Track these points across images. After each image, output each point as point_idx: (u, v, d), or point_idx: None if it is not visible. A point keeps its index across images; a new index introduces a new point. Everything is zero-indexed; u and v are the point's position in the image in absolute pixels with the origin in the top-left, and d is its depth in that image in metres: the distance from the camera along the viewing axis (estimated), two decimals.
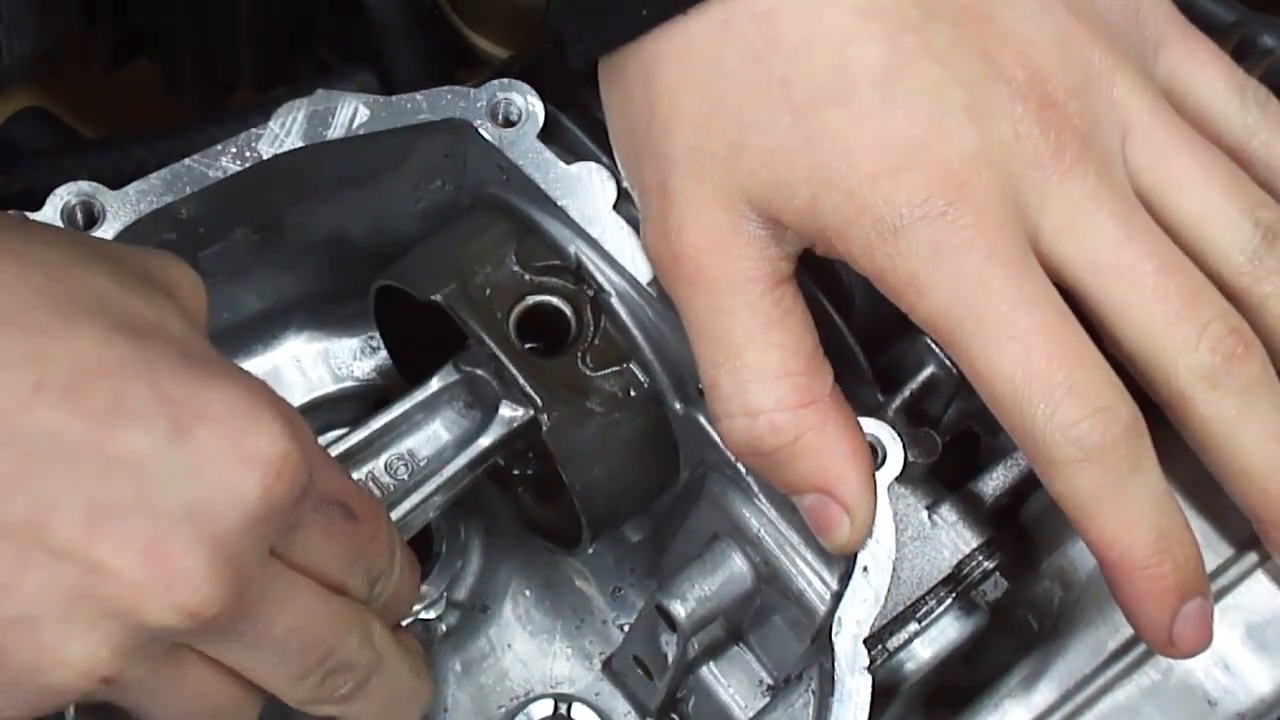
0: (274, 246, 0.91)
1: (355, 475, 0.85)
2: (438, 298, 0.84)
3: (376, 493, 0.85)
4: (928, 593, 0.83)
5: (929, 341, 0.84)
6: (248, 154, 0.83)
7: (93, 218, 0.81)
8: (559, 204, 0.84)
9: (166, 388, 0.66)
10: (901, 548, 0.82)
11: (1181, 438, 0.77)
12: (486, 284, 0.85)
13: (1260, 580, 0.82)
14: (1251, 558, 0.82)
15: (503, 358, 0.84)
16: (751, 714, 0.91)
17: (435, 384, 0.88)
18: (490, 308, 0.85)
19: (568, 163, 0.84)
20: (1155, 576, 0.74)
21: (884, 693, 0.82)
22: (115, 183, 0.83)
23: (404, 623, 0.94)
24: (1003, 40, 0.75)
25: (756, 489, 0.84)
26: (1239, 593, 0.82)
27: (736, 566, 0.85)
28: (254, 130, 0.84)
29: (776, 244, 0.76)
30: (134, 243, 0.81)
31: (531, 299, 0.86)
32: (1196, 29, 0.82)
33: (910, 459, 0.80)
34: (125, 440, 0.65)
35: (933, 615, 0.83)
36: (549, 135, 0.86)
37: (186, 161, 0.83)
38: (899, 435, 0.79)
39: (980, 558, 0.83)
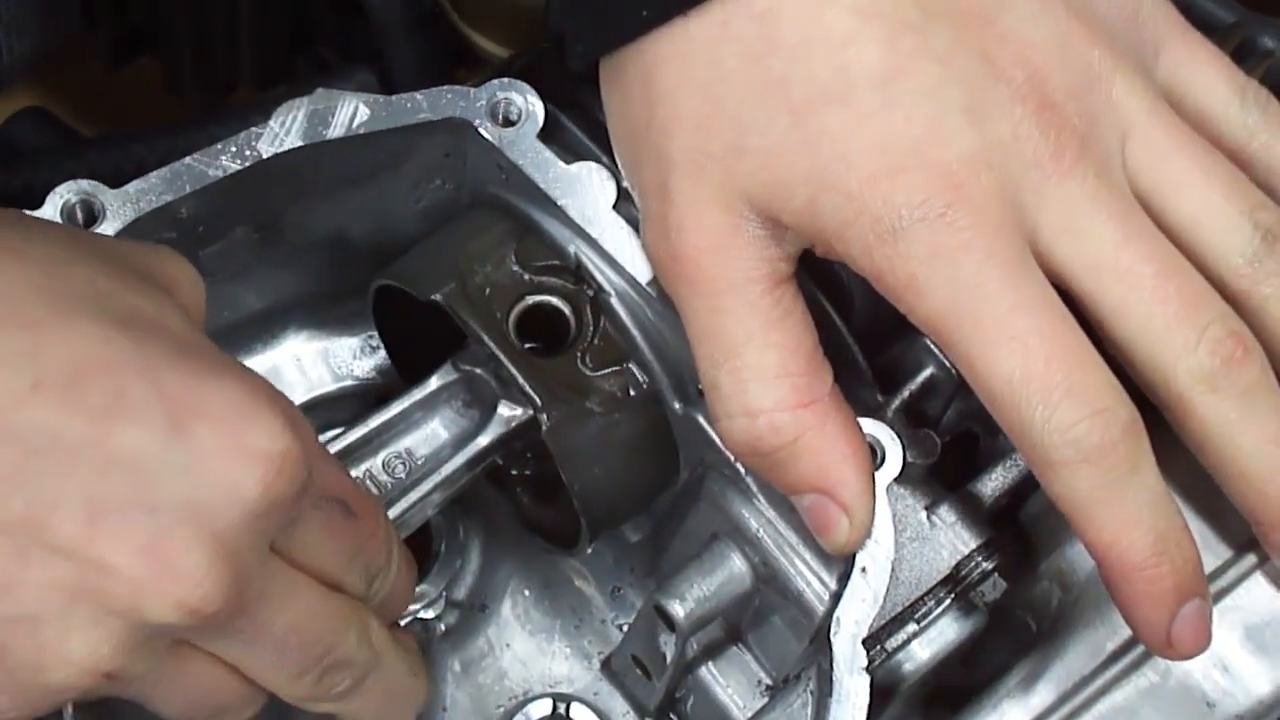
0: (274, 245, 0.91)
1: (353, 473, 0.85)
2: (437, 297, 0.84)
3: (374, 491, 0.85)
4: (926, 593, 0.83)
5: (928, 342, 0.84)
6: (247, 153, 0.83)
7: (93, 216, 0.81)
8: (559, 204, 0.84)
9: (165, 384, 0.66)
10: (900, 548, 0.82)
11: (1180, 439, 0.76)
12: (486, 284, 0.85)
13: (1259, 582, 0.82)
14: (1250, 559, 0.82)
15: (502, 357, 0.84)
16: (750, 714, 0.91)
17: (434, 383, 0.88)
18: (490, 307, 0.85)
19: (567, 162, 0.84)
20: (1153, 578, 0.74)
21: (882, 693, 0.82)
22: (115, 181, 0.82)
23: (403, 622, 0.95)
24: (1002, 41, 0.75)
25: (755, 489, 0.84)
26: (1238, 594, 0.82)
27: (735, 567, 0.85)
28: (254, 129, 0.84)
29: (776, 244, 0.76)
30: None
31: (531, 299, 0.86)
32: (1196, 30, 0.82)
33: (909, 460, 0.80)
34: (124, 437, 0.65)
35: (931, 616, 0.83)
36: (549, 135, 0.86)
37: (186, 160, 0.83)
38: (898, 436, 0.79)
39: (979, 559, 0.83)
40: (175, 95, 1.23)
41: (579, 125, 0.88)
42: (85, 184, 0.82)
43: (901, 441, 0.79)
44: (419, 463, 0.87)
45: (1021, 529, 0.86)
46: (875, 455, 0.79)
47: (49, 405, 0.65)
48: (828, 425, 0.76)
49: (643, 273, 0.82)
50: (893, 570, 0.78)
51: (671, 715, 0.96)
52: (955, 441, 0.88)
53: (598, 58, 0.80)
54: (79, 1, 1.19)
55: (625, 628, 0.97)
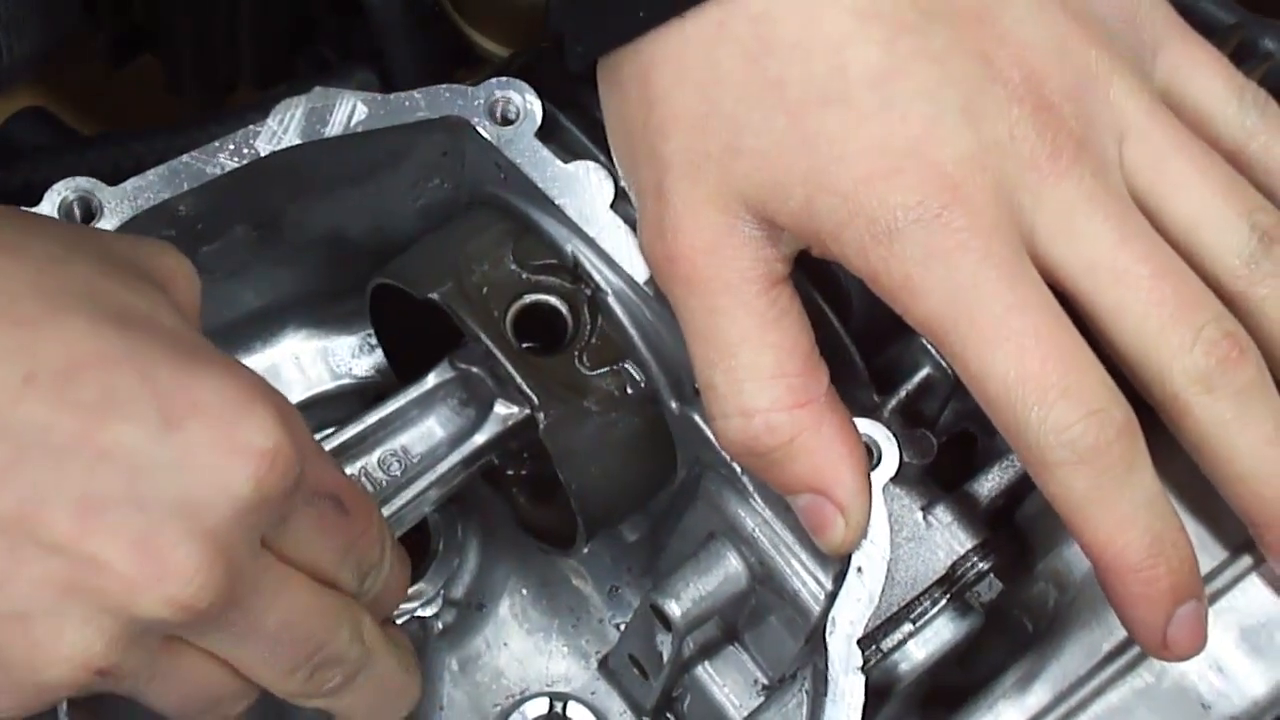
0: (272, 244, 0.91)
1: (349, 470, 0.85)
2: (434, 296, 0.84)
3: (369, 488, 0.85)
4: (922, 593, 0.83)
5: (925, 342, 0.84)
6: (245, 151, 0.83)
7: (90, 213, 0.82)
8: (556, 203, 0.84)
9: (158, 380, 0.66)
10: (896, 548, 0.82)
11: (1176, 441, 0.76)
12: (484, 282, 0.85)
13: (1255, 583, 0.82)
14: (1246, 561, 0.82)
15: (499, 356, 0.84)
16: (746, 713, 0.91)
17: (431, 380, 0.88)
18: (487, 306, 0.85)
19: (565, 162, 0.84)
20: (1150, 579, 0.74)
21: (878, 693, 0.83)
22: (115, 180, 0.83)
23: (400, 620, 0.95)
24: (1000, 42, 0.75)
25: (752, 489, 0.84)
26: (1233, 595, 0.81)
27: (731, 566, 0.85)
28: (252, 127, 0.84)
29: (772, 245, 0.76)
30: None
31: (529, 298, 0.86)
32: (1195, 31, 0.82)
33: (906, 460, 0.80)
34: (116, 433, 0.65)
35: (927, 616, 0.83)
36: (547, 134, 0.86)
37: (184, 158, 0.83)
38: (894, 436, 0.79)
39: (975, 559, 0.83)
40: (176, 95, 1.23)
41: (577, 125, 0.88)
42: (83, 181, 0.82)
43: (898, 441, 0.79)
44: (414, 460, 0.87)
45: (1018, 530, 0.86)
46: (871, 455, 0.79)
47: (41, 401, 0.65)
48: (824, 425, 0.76)
49: (640, 272, 0.82)
50: (888, 570, 0.78)
51: (668, 714, 0.96)
52: (952, 442, 0.88)
53: (595, 58, 0.80)
54: (79, 1, 1.19)
55: (622, 627, 0.97)
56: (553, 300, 0.86)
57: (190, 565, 0.65)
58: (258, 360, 0.99)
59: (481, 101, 0.85)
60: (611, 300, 0.85)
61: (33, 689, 0.67)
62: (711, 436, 0.81)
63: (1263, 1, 1.01)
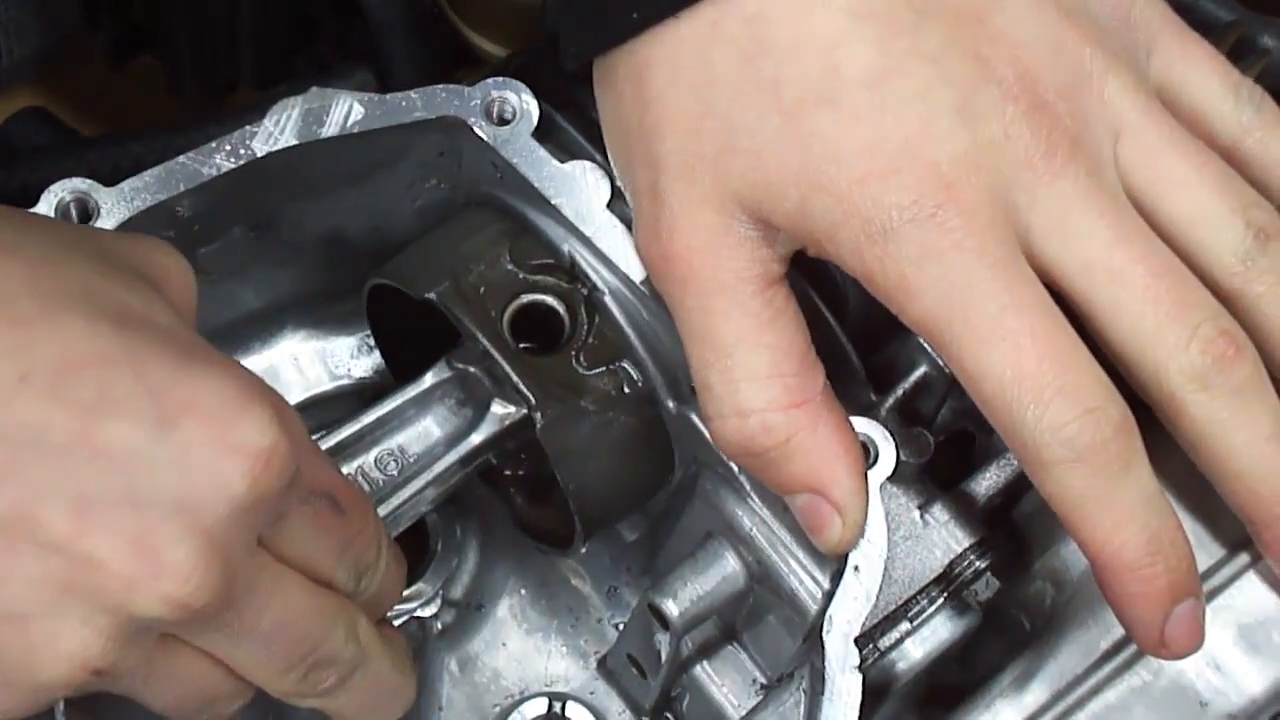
0: (270, 244, 0.91)
1: (345, 469, 0.85)
2: (431, 296, 0.84)
3: (366, 488, 0.85)
4: (919, 592, 0.83)
5: (922, 341, 0.84)
6: (242, 151, 0.83)
7: (87, 214, 0.82)
8: (553, 202, 0.84)
9: (153, 378, 0.66)
10: (893, 547, 0.82)
11: (1173, 439, 0.76)
12: (480, 282, 0.85)
13: (1252, 581, 0.82)
14: (1243, 558, 0.82)
15: (496, 355, 0.84)
16: (744, 713, 0.91)
17: (428, 380, 0.88)
18: (484, 306, 0.85)
19: (562, 161, 0.84)
20: (1147, 578, 0.74)
21: (876, 692, 0.83)
22: (113, 181, 0.83)
23: (399, 620, 0.95)
24: (994, 41, 0.75)
25: (749, 488, 0.84)
26: (1231, 593, 0.81)
27: (729, 565, 0.85)
28: (249, 128, 0.84)
29: (768, 245, 0.76)
30: None
31: (525, 297, 0.85)
32: (1190, 28, 0.82)
33: (902, 458, 0.80)
34: (112, 432, 0.65)
35: (924, 615, 0.83)
36: (544, 134, 0.86)
37: (181, 159, 0.83)
38: (891, 435, 0.79)
39: (972, 557, 0.83)
40: (176, 95, 1.23)
41: (574, 124, 0.88)
42: (80, 182, 0.82)
43: (894, 440, 0.79)
44: (411, 460, 0.87)
45: (1015, 528, 0.86)
46: (868, 454, 0.79)
47: (36, 400, 0.65)
48: (820, 425, 0.76)
49: (636, 272, 0.82)
50: (885, 569, 0.78)
51: (667, 714, 0.96)
52: (950, 441, 0.88)
53: (590, 59, 0.80)
54: (80, 2, 1.19)
55: (621, 627, 0.97)
56: (549, 300, 0.86)
57: (187, 564, 0.65)
58: (256, 361, 0.99)
59: (478, 101, 0.85)
60: (608, 300, 0.85)
61: (30, 689, 0.67)
62: (709, 436, 0.81)
63: None
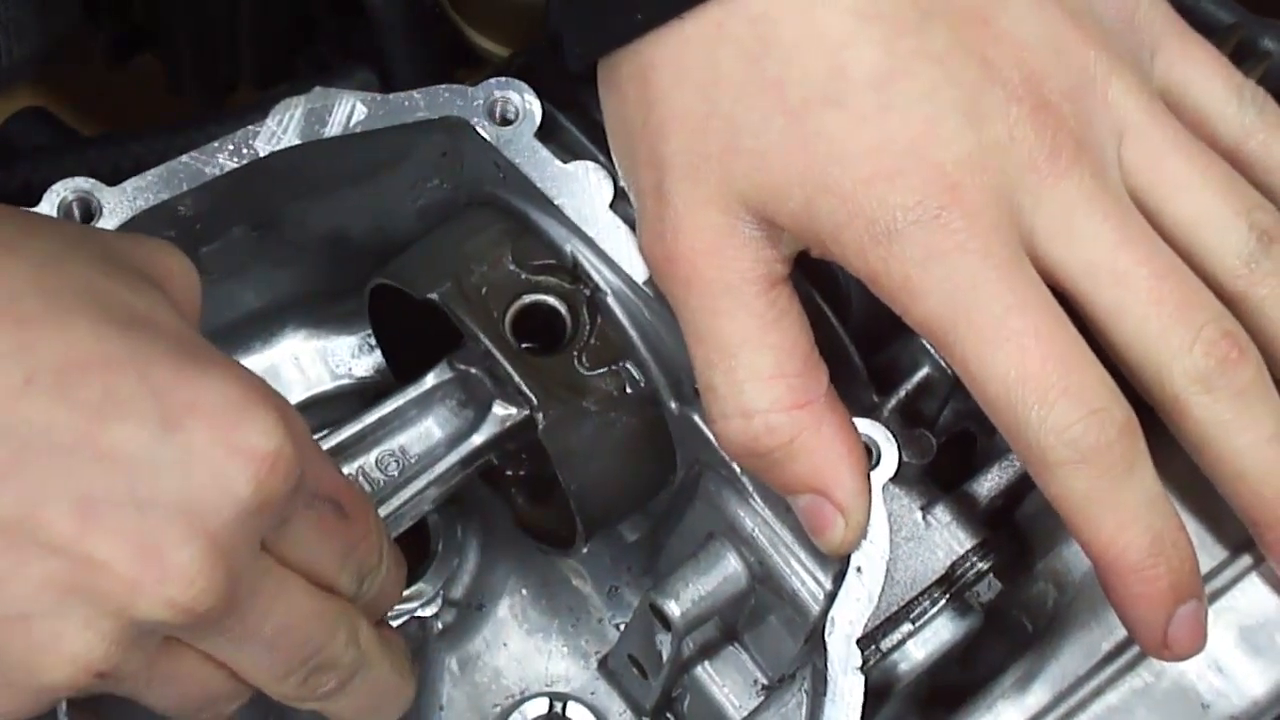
0: (272, 244, 0.91)
1: (346, 470, 0.85)
2: (434, 296, 0.84)
3: (367, 488, 0.85)
4: (921, 593, 0.83)
5: (924, 342, 0.84)
6: (245, 151, 0.83)
7: (89, 214, 0.82)
8: (555, 202, 0.84)
9: (158, 380, 0.66)
10: (895, 548, 0.82)
11: (1175, 440, 0.76)
12: (482, 283, 0.85)
13: (1254, 583, 0.82)
14: (1246, 560, 0.82)
15: (498, 356, 0.84)
16: (746, 713, 0.91)
17: (430, 381, 0.88)
18: (486, 306, 0.85)
19: (565, 162, 0.84)
20: (1150, 579, 0.74)
21: (877, 693, 0.82)
22: (114, 180, 0.83)
23: (399, 620, 0.95)
24: (999, 43, 0.75)
25: (751, 489, 0.84)
26: (1233, 595, 0.81)
27: (731, 566, 0.85)
28: (251, 127, 0.84)
29: (772, 246, 0.76)
30: None
31: (527, 298, 0.85)
32: (1194, 30, 0.82)
33: (905, 460, 0.80)
34: (117, 433, 0.65)
35: (926, 616, 0.83)
36: (547, 134, 0.86)
37: (183, 158, 0.83)
38: (894, 436, 0.79)
39: (974, 559, 0.83)
40: (176, 95, 1.23)
41: (577, 125, 0.88)
42: (82, 181, 0.82)
43: (897, 441, 0.79)
44: (412, 461, 0.87)
45: (1017, 529, 0.86)
46: (871, 455, 0.79)
47: (41, 401, 0.65)
48: (823, 426, 0.76)
49: (639, 272, 0.82)
50: (888, 570, 0.78)
51: (668, 714, 0.96)
52: (952, 442, 0.88)
53: (595, 59, 0.80)
54: (80, 2, 1.19)
55: (622, 627, 0.97)
56: (551, 300, 0.86)
57: (192, 567, 0.65)
58: (257, 360, 0.99)
59: (481, 101, 0.85)
60: (611, 300, 0.85)
61: (32, 690, 0.67)
62: (711, 437, 0.81)
63: (1262, 1, 1.01)
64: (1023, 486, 0.85)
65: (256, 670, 0.72)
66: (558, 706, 0.96)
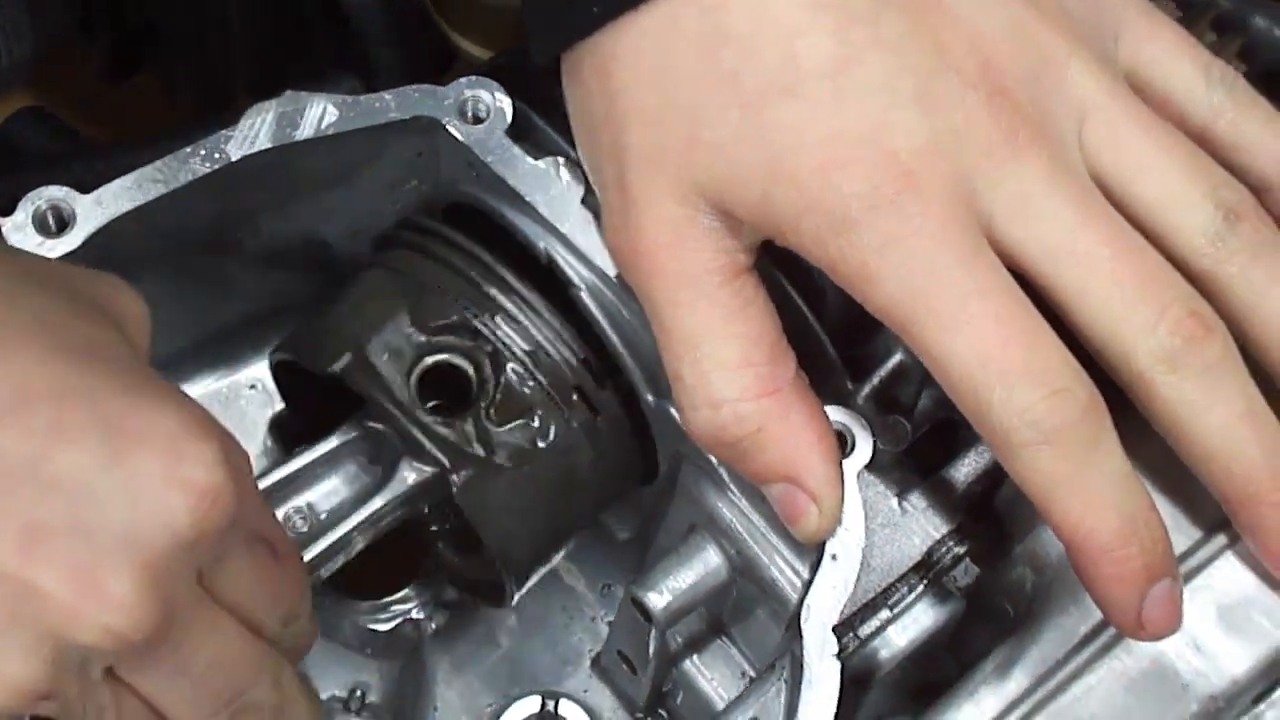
0: (251, 250, 0.91)
1: None
2: (336, 369, 0.84)
3: None
4: (899, 579, 0.83)
5: None
6: (217, 156, 0.84)
7: (63, 222, 0.82)
8: (528, 199, 0.84)
9: (107, 410, 0.66)
10: (871, 535, 0.82)
11: (1148, 421, 0.76)
12: (383, 349, 0.85)
13: (1231, 561, 0.81)
14: (1221, 539, 0.81)
15: (404, 422, 0.84)
16: None
17: (335, 440, 0.87)
18: (389, 372, 0.84)
19: (537, 159, 0.85)
20: (1122, 559, 0.73)
21: (858, 680, 0.82)
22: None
23: (392, 622, 0.96)
24: (954, 29, 0.75)
25: (728, 480, 0.84)
26: (1209, 574, 0.81)
27: (711, 558, 0.85)
28: (223, 132, 0.84)
29: (733, 236, 0.76)
30: (106, 245, 0.82)
31: (429, 359, 0.85)
32: (1159, 10, 0.82)
33: (880, 447, 0.80)
34: (62, 462, 0.65)
35: (904, 602, 0.83)
36: (522, 133, 0.86)
37: (156, 164, 0.83)
38: (867, 423, 0.79)
39: (950, 543, 0.83)
40: (174, 105, 1.24)
41: (551, 122, 0.88)
42: (56, 190, 0.82)
43: (871, 429, 0.79)
44: (320, 518, 0.87)
45: (996, 514, 0.86)
46: (844, 443, 0.79)
47: None
48: (792, 414, 0.76)
49: (611, 266, 0.82)
50: (864, 557, 0.78)
51: (660, 710, 0.96)
52: (935, 429, 0.88)
53: (558, 53, 0.81)
54: (77, 5, 1.20)
55: None
56: (455, 359, 0.85)
57: (129, 596, 0.65)
58: (248, 367, 0.99)
59: (451, 100, 0.86)
60: (585, 296, 0.85)
61: None
62: None
63: None
64: (1000, 471, 0.84)
65: (183, 708, 0.71)
66: (550, 705, 0.96)
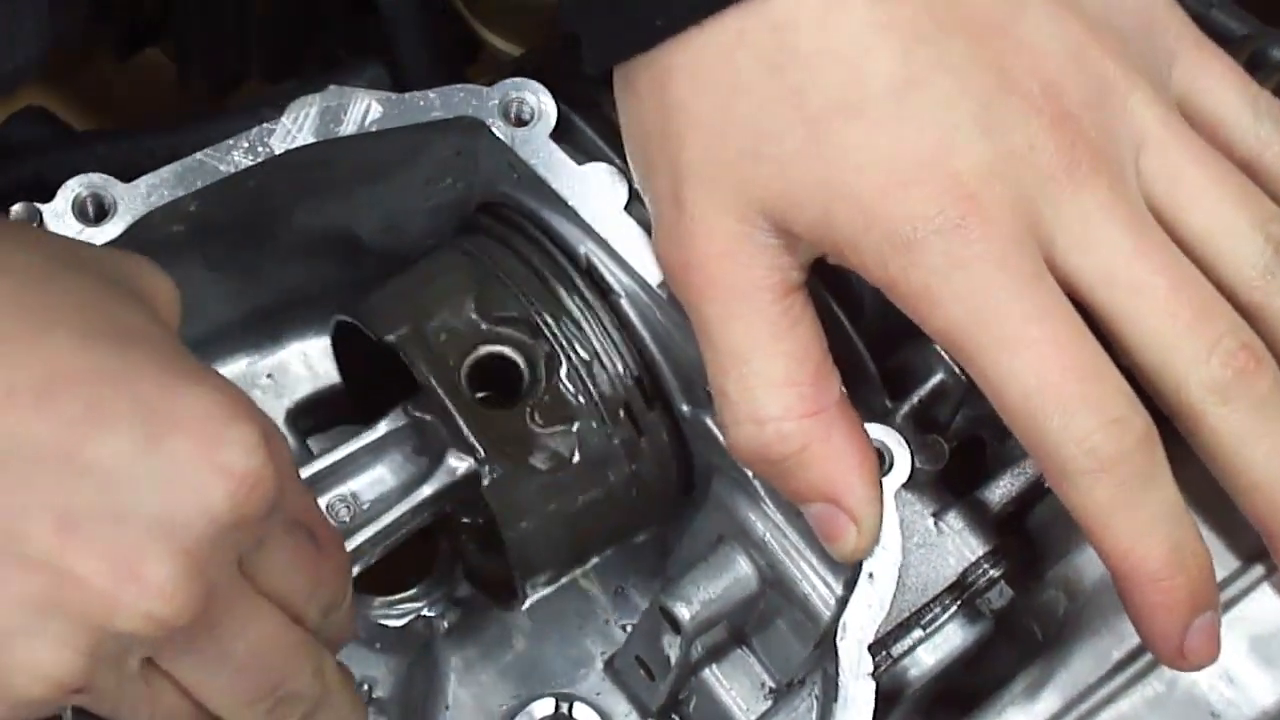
0: (283, 241, 0.91)
1: None
2: (391, 339, 0.84)
3: None
4: (933, 600, 0.83)
5: (939, 348, 0.83)
6: (260, 149, 0.83)
7: (103, 210, 0.81)
8: (570, 204, 0.84)
9: (141, 395, 0.66)
10: (907, 554, 0.81)
11: (1188, 450, 0.76)
12: (442, 329, 0.84)
13: (1267, 593, 0.82)
14: (1258, 570, 0.82)
15: (449, 405, 0.83)
16: (753, 717, 0.91)
17: (383, 427, 0.87)
18: (443, 354, 0.84)
19: (579, 163, 0.84)
20: (1168, 589, 0.74)
21: (887, 698, 0.82)
22: (125, 175, 0.82)
23: (405, 620, 0.96)
24: (1017, 53, 0.75)
25: (763, 493, 0.84)
26: (1245, 605, 0.81)
27: (742, 570, 0.85)
28: (266, 125, 0.83)
29: (788, 253, 0.76)
30: (143, 235, 0.82)
31: (484, 348, 0.85)
32: (1210, 40, 0.82)
33: (918, 465, 0.80)
34: (99, 446, 0.65)
35: (937, 622, 0.83)
36: (561, 135, 0.86)
37: (198, 156, 0.83)
38: (907, 442, 0.79)
39: (985, 566, 0.83)
40: (183, 88, 1.23)
41: (591, 125, 0.88)
42: (96, 178, 0.82)
43: (910, 447, 0.79)
44: (364, 507, 0.86)
45: (1029, 536, 0.86)
46: (883, 461, 0.79)
47: (22, 414, 0.64)
48: (834, 434, 0.76)
49: (653, 275, 0.82)
50: (899, 576, 0.78)
51: (674, 716, 0.96)
52: (962, 447, 0.88)
53: (612, 64, 0.80)
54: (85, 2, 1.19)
55: (629, 628, 0.97)
56: (509, 352, 0.85)
57: (170, 582, 0.65)
58: (266, 357, 0.99)
59: (496, 102, 0.85)
60: (625, 303, 0.84)
61: (7, 705, 0.66)
62: (723, 441, 0.81)
63: (1274, 13, 1.01)
64: (1034, 494, 0.85)
65: (225, 697, 0.71)
66: (564, 707, 0.96)
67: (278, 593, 0.71)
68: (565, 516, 0.86)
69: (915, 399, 0.84)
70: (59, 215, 0.81)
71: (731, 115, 0.75)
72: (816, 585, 0.83)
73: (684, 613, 0.85)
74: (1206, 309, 0.75)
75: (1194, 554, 0.74)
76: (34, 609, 0.64)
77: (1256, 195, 0.78)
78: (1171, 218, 0.76)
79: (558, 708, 0.96)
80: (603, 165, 0.84)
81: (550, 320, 0.85)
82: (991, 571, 0.83)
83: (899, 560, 0.78)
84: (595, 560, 0.91)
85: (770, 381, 0.76)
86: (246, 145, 0.83)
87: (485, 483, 0.83)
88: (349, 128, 0.84)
